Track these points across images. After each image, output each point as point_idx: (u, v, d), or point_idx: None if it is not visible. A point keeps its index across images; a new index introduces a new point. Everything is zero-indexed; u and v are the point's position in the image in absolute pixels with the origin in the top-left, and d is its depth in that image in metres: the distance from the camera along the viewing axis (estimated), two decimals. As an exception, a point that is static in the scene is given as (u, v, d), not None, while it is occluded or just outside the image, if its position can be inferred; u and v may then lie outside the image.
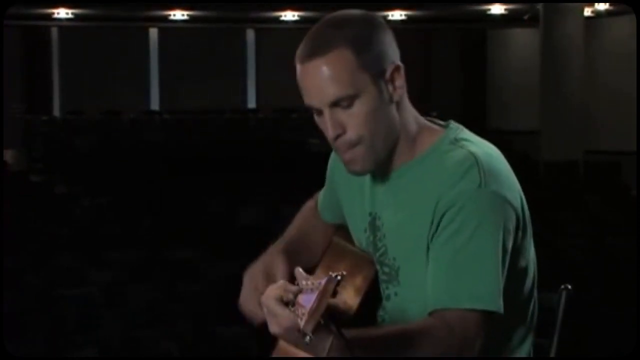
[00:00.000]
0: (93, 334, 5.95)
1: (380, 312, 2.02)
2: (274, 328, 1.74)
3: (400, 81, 1.92)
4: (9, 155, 15.46)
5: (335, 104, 1.88)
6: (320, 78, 1.88)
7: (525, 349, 2.01)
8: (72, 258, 7.69)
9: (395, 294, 1.98)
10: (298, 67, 1.90)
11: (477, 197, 1.84)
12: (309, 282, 1.72)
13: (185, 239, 8.53)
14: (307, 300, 1.68)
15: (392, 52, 1.92)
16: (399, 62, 1.92)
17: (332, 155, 2.10)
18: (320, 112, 1.91)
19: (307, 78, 1.89)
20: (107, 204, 10.87)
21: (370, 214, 2.01)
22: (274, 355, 1.94)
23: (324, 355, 1.70)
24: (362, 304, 1.95)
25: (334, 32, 1.89)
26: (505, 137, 16.24)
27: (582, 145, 13.78)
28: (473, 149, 1.91)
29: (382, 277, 2.00)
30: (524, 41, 18.60)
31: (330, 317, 1.82)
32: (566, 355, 2.13)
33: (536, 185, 11.58)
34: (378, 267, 2.01)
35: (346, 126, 1.90)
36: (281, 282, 1.78)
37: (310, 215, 2.22)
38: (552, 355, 2.11)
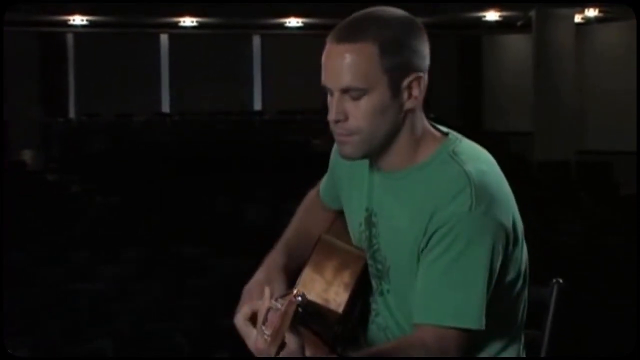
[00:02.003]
0: (106, 327, 5.93)
1: (374, 306, 2.01)
2: (249, 346, 1.76)
3: (418, 91, 1.89)
4: (27, 155, 15.47)
5: (345, 91, 1.87)
6: (340, 63, 1.86)
7: (515, 346, 1.99)
8: (85, 254, 7.68)
9: (388, 291, 1.98)
10: (327, 45, 1.89)
11: (467, 219, 1.82)
12: (279, 301, 1.71)
13: (193, 236, 8.52)
14: (273, 320, 1.68)
15: (419, 61, 1.89)
16: (421, 74, 1.89)
17: (335, 147, 2.06)
18: (332, 93, 1.89)
19: (330, 59, 1.88)
20: (119, 202, 10.87)
21: (367, 209, 1.99)
22: None
23: None
24: (351, 299, 1.93)
25: (370, 25, 1.86)
26: (500, 139, 16.26)
27: (573, 146, 13.77)
28: (468, 167, 1.87)
29: (374, 272, 1.99)
30: (517, 46, 18.56)
31: (319, 316, 1.81)
32: (566, 355, 2.12)
33: (530, 184, 11.57)
34: (371, 262, 1.99)
35: (349, 115, 1.88)
36: (252, 302, 1.78)
37: (311, 208, 2.19)
38: (545, 346, 2.10)
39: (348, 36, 1.86)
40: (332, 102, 1.89)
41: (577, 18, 14.83)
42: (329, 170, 2.15)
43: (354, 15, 1.90)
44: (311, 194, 2.22)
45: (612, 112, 15.78)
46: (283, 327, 1.65)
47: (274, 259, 2.06)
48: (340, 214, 2.12)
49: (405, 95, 1.88)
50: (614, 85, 15.76)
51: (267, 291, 1.75)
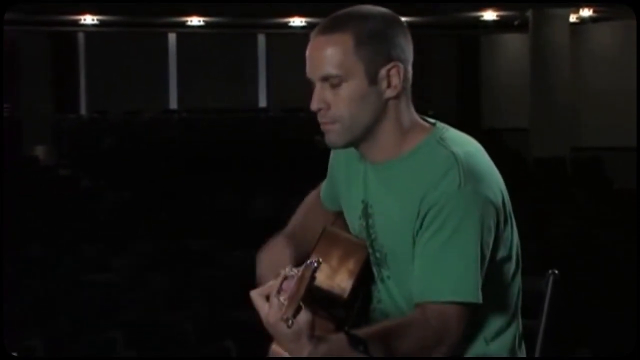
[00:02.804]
0: (116, 317, 5.94)
1: (376, 293, 2.03)
2: (263, 322, 1.76)
3: (397, 80, 1.91)
4: (39, 151, 15.49)
5: (324, 79, 1.91)
6: (318, 53, 1.91)
7: (512, 330, 2.01)
8: (96, 247, 7.69)
9: (388, 277, 1.99)
10: (310, 39, 1.94)
11: (457, 197, 1.85)
12: (293, 270, 1.72)
13: (200, 229, 8.53)
14: (289, 287, 1.69)
15: (397, 52, 1.91)
16: (399, 63, 1.91)
17: None
18: (315, 84, 1.94)
19: (310, 50, 1.93)
20: (129, 197, 10.87)
21: (363, 201, 2.01)
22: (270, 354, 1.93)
23: (305, 352, 1.71)
24: (355, 286, 1.96)
25: (348, 19, 1.91)
26: (497, 135, 16.26)
27: (568, 142, 13.76)
28: (455, 149, 1.90)
29: (374, 260, 2.01)
30: (514, 46, 18.54)
31: (325, 301, 1.82)
32: (565, 355, 2.13)
33: (526, 179, 11.57)
34: (371, 251, 2.01)
35: (330, 104, 1.92)
36: (270, 282, 1.79)
37: (312, 206, 2.20)
38: (541, 334, 2.11)
39: (326, 29, 1.91)
40: (315, 91, 1.93)
41: (572, 18, 14.81)
42: (328, 171, 2.17)
43: (333, 14, 1.95)
44: (312, 194, 2.23)
45: (606, 109, 15.76)
46: (300, 290, 1.66)
47: (278, 241, 2.08)
48: (340, 214, 2.13)
49: (384, 84, 1.91)
50: (608, 84, 15.74)
51: (282, 271, 1.77)
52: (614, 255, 7.42)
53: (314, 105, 1.93)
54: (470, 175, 1.86)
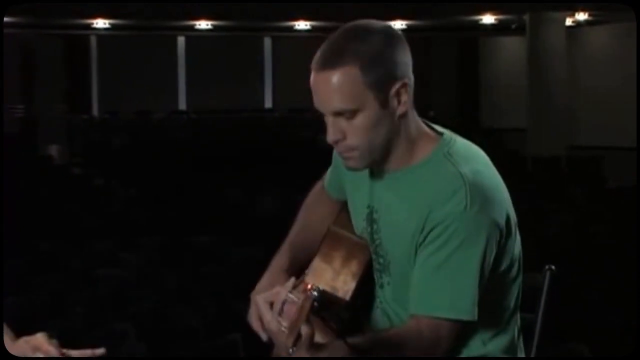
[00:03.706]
0: (126, 311, 5.93)
1: (377, 297, 2.02)
2: (265, 326, 1.76)
3: (406, 97, 1.87)
4: (53, 150, 15.50)
5: (338, 114, 1.85)
6: (327, 89, 1.84)
7: (510, 331, 2.00)
8: (107, 243, 7.68)
9: (388, 284, 1.98)
10: (312, 73, 1.86)
11: (462, 219, 1.82)
12: (293, 292, 1.70)
13: (207, 226, 8.52)
14: (290, 312, 1.67)
15: (402, 69, 1.86)
16: (406, 80, 1.86)
17: None
18: (326, 115, 1.88)
19: (317, 86, 1.86)
20: (138, 194, 10.87)
21: (368, 206, 1.98)
22: (273, 354, 1.91)
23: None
24: (358, 287, 1.94)
25: (347, 45, 1.83)
26: (496, 135, 16.25)
27: (565, 142, 13.74)
28: (463, 169, 1.86)
29: (377, 266, 1.99)
30: (512, 48, 18.52)
31: (328, 303, 1.81)
32: (565, 354, 2.11)
33: (524, 177, 11.55)
34: (374, 256, 1.99)
35: (347, 134, 1.87)
36: (276, 289, 1.78)
37: (315, 204, 2.18)
38: (538, 329, 2.10)
39: (329, 62, 1.84)
40: (328, 123, 1.88)
41: (568, 21, 14.79)
42: (332, 162, 2.14)
43: (332, 38, 1.87)
44: (316, 187, 2.21)
45: (601, 109, 15.75)
46: (300, 320, 1.65)
47: (278, 262, 2.06)
48: (345, 205, 2.11)
49: (394, 103, 1.86)
50: (602, 84, 15.73)
51: (285, 284, 1.75)
52: (610, 252, 7.40)
53: (330, 138, 1.88)
54: (476, 196, 1.83)
